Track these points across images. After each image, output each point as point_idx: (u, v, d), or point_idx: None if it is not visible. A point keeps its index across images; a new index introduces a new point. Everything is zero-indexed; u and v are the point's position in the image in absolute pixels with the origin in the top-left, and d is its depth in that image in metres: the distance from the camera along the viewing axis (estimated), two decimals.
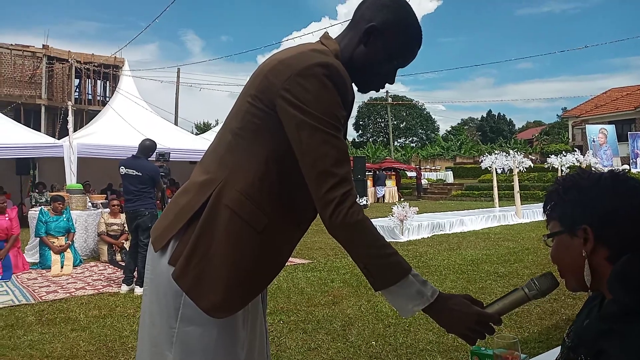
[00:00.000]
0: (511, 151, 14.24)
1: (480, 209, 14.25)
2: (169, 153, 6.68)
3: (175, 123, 23.48)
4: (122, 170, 5.64)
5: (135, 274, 5.63)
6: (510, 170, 13.54)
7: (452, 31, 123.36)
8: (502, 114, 63.02)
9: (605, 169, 1.18)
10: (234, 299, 1.28)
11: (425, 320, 4.21)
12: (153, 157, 6.09)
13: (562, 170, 14.57)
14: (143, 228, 5.54)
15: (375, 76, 1.41)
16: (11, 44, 26.03)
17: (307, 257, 7.49)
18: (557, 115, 58.30)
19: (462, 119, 67.41)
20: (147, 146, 5.82)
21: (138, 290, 5.46)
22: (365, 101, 55.13)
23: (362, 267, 1.25)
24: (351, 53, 1.37)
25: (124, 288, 5.60)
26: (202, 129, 41.47)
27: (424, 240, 9.45)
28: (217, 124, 29.30)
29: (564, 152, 16.12)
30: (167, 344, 1.30)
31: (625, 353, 0.89)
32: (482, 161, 14.73)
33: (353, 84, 1.35)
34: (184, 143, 14.97)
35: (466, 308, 1.27)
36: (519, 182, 13.32)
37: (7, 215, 6.87)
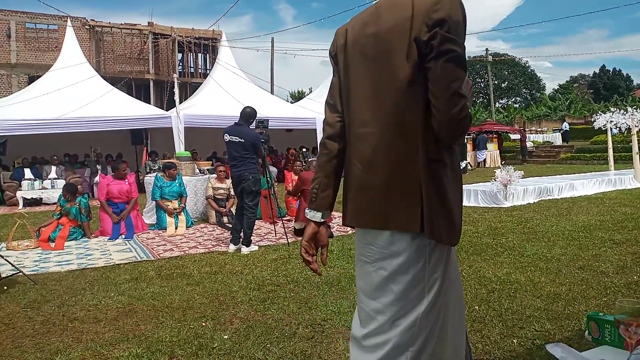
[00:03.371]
0: (629, 108, 12.91)
1: (593, 173, 13.19)
2: (268, 120, 6.86)
3: (271, 92, 24.06)
4: (226, 137, 5.91)
5: (241, 234, 5.95)
6: (628, 130, 12.31)
7: None
8: (617, 69, 57.15)
9: None
10: (459, 223, 1.57)
11: (533, 287, 4.04)
12: (253, 125, 6.29)
13: None
14: (247, 191, 5.81)
15: None
16: (121, 24, 27.95)
17: None
18: None
19: (571, 76, 62.16)
20: (248, 113, 6.03)
21: (244, 250, 5.78)
22: None
23: None
24: None
25: (232, 247, 5.94)
26: (297, 97, 42.08)
27: (529, 205, 8.97)
28: (310, 91, 29.49)
29: None
30: (418, 299, 1.55)
31: None
32: (594, 121, 13.53)
33: None
34: (281, 111, 15.36)
35: None
36: (638, 143, 12.10)
37: (127, 180, 7.54)
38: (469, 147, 21.23)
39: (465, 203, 9.20)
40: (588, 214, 7.74)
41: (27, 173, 12.39)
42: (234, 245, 5.93)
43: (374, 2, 1.68)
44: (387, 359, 1.57)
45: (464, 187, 9.94)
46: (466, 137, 20.31)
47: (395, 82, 1.52)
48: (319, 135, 15.44)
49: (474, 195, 9.31)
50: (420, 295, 1.56)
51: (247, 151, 5.84)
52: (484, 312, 3.54)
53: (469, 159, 19.68)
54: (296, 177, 7.65)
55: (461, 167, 12.38)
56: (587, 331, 2.97)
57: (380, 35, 1.57)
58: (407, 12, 1.49)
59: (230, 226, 6.56)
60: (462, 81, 1.44)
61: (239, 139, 5.83)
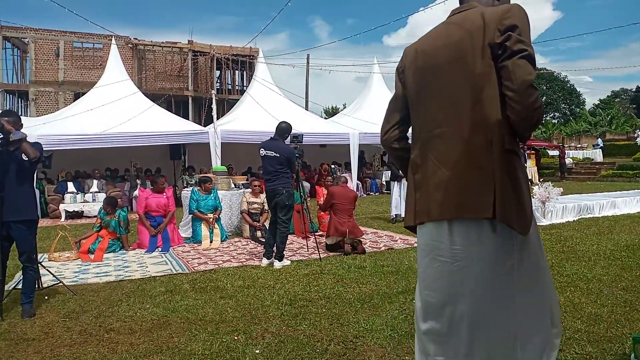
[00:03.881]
0: None
1: (636, 190, 12.70)
2: (302, 135, 6.91)
3: (306, 108, 24.25)
4: (262, 152, 5.99)
5: (274, 249, 5.98)
6: None
7: None
8: None
9: None
10: (530, 213, 1.70)
11: (573, 308, 3.90)
12: (288, 140, 6.35)
13: None
14: (281, 206, 5.86)
15: None
16: (162, 42, 28.86)
17: None
18: None
19: (612, 91, 60.14)
20: (284, 128, 6.10)
21: (277, 264, 5.80)
22: None
23: None
24: None
25: (265, 262, 5.97)
26: (331, 113, 42.25)
27: (568, 224, 8.71)
28: (344, 107, 29.60)
29: None
30: (509, 281, 1.69)
31: None
32: (637, 136, 13.05)
33: None
34: (315, 127, 15.45)
35: None
36: None
37: (165, 194, 7.72)
38: None
39: None
40: (631, 233, 7.45)
41: (70, 186, 12.83)
42: (267, 259, 5.96)
43: (441, 22, 1.93)
44: (492, 351, 1.71)
45: None
46: None
47: (470, 83, 1.72)
48: (353, 151, 15.45)
49: None
50: (510, 286, 1.69)
51: (281, 166, 5.90)
52: None
53: None
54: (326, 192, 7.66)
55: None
56: (633, 354, 2.85)
57: (452, 44, 1.79)
58: (478, 22, 1.71)
59: (264, 240, 6.61)
60: (534, 76, 1.63)
61: (274, 154, 5.90)
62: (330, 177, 9.60)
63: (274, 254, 5.94)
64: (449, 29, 1.84)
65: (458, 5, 1.93)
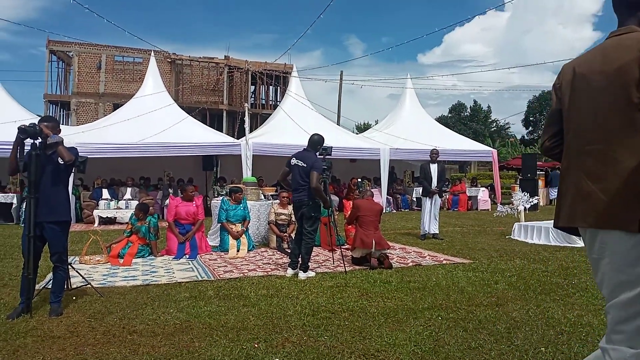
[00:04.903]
0: None
1: None
2: (332, 147, 6.92)
3: (338, 123, 24.31)
4: (293, 161, 6.04)
5: (299, 259, 5.95)
6: None
7: None
8: None
9: None
10: None
11: None
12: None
13: None
14: (307, 216, 5.84)
15: None
16: (199, 57, 29.56)
17: (468, 257, 7.16)
18: None
19: None
20: (315, 140, 6.14)
21: (302, 275, 5.77)
22: (536, 95, 51.10)
23: None
24: None
25: (289, 272, 5.94)
26: (362, 129, 42.25)
27: None
28: (376, 123, 29.59)
29: None
30: None
31: None
32: None
33: None
34: (345, 141, 15.46)
35: None
36: None
37: (194, 202, 7.81)
38: (541, 183, 20.26)
39: (535, 241, 8.75)
40: None
41: (105, 193, 13.16)
42: (292, 269, 5.94)
43: (599, 44, 2.08)
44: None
45: (534, 224, 9.54)
46: (538, 172, 19.41)
47: (624, 110, 1.85)
48: (383, 166, 15.37)
49: (545, 233, 8.82)
50: None
51: (308, 176, 5.90)
52: (551, 355, 3.31)
53: (540, 196, 18.60)
54: None
55: (532, 203, 11.17)
56: None
57: (608, 72, 1.92)
58: (633, 54, 1.83)
59: (290, 251, 6.60)
60: None
61: (302, 164, 5.92)
62: (357, 191, 9.54)
63: (299, 265, 5.92)
64: (605, 54, 1.97)
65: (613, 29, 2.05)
